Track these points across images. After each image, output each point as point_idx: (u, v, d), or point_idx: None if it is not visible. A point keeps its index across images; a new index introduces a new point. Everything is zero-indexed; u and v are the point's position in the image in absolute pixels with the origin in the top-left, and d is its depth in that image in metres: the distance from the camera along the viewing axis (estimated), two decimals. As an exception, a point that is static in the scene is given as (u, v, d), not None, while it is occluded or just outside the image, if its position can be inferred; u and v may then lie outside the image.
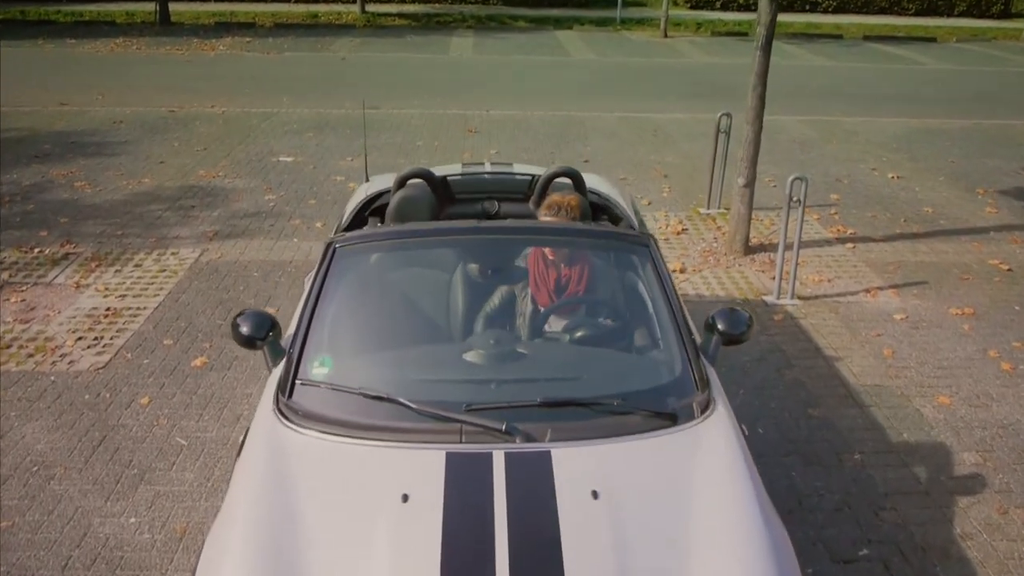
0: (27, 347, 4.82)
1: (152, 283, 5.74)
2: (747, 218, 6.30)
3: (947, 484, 3.75)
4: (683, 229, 6.98)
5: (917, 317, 5.46)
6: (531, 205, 3.89)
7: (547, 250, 3.07)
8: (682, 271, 6.14)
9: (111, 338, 4.95)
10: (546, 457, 2.18)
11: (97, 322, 5.15)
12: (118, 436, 4.01)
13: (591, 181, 4.04)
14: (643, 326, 2.85)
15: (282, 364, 2.65)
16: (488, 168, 4.23)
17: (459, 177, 3.99)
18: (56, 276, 5.80)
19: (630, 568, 1.89)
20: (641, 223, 3.93)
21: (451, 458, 2.17)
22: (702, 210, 7.42)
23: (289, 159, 8.82)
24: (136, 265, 6.03)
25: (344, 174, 8.30)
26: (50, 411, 4.20)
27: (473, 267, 3.06)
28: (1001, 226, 7.25)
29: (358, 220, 3.96)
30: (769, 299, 5.62)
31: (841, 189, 8.20)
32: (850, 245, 6.70)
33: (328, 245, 2.95)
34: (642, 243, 3.00)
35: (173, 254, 6.23)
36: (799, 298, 5.65)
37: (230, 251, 6.32)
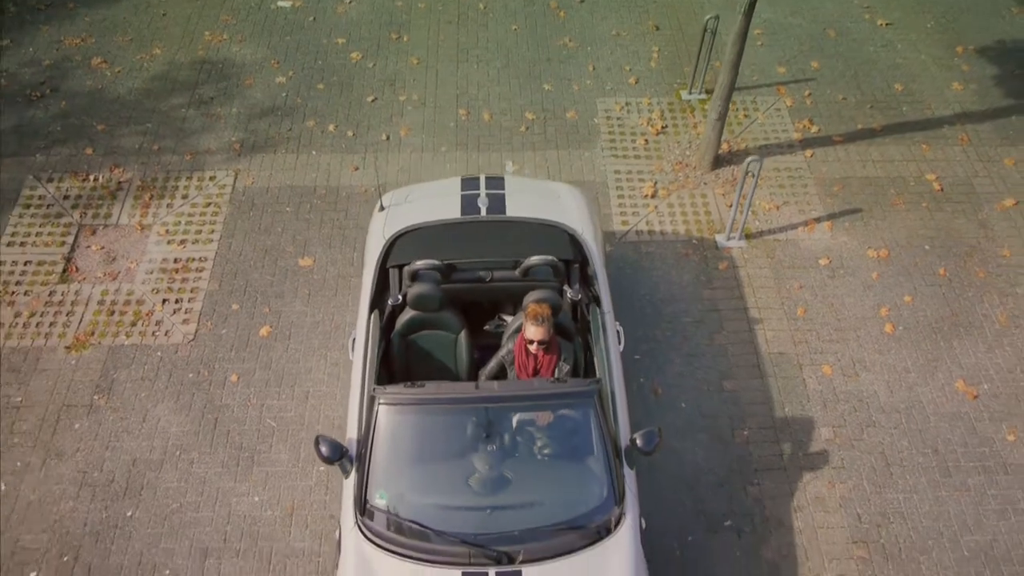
0: (127, 313, 6.20)
1: (203, 223, 6.83)
2: (716, 144, 7.04)
3: (801, 460, 5.48)
4: (663, 127, 7.68)
5: (839, 261, 6.66)
6: (518, 273, 5.03)
7: (530, 346, 4.45)
8: (653, 196, 7.11)
9: (189, 301, 6.28)
10: (519, 573, 3.94)
11: (172, 279, 6.41)
12: (225, 418, 5.65)
13: (568, 212, 5.27)
14: (586, 457, 4.29)
15: (354, 478, 4.22)
16: (484, 206, 5.20)
17: (459, 231, 5.11)
18: (119, 214, 6.86)
19: None
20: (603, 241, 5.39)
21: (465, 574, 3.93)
22: (684, 95, 7.96)
23: (287, 4, 8.90)
24: (183, 196, 7.02)
25: (344, 32, 8.56)
26: (168, 392, 5.77)
27: (474, 422, 4.29)
28: (959, 115, 7.87)
29: (383, 273, 5.11)
30: (720, 239, 6.74)
31: (825, 49, 8.51)
32: (808, 153, 7.50)
33: (372, 399, 4.25)
34: (588, 395, 4.27)
35: (211, 179, 7.16)
36: (747, 237, 6.76)
37: (259, 174, 7.22)
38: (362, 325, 4.88)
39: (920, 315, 6.31)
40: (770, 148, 7.48)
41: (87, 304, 6.25)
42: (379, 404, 4.22)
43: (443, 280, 4.98)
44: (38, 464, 5.40)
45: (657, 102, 7.96)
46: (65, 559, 4.99)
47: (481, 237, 5.12)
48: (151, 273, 6.45)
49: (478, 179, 5.51)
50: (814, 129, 7.73)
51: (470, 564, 3.95)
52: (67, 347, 5.99)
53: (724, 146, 7.41)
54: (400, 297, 4.99)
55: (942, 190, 7.22)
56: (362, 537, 4.08)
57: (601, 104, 7.91)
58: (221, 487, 5.32)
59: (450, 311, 4.85)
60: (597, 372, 4.60)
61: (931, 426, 5.66)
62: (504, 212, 5.20)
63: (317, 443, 4.18)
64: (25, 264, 6.51)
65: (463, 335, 4.90)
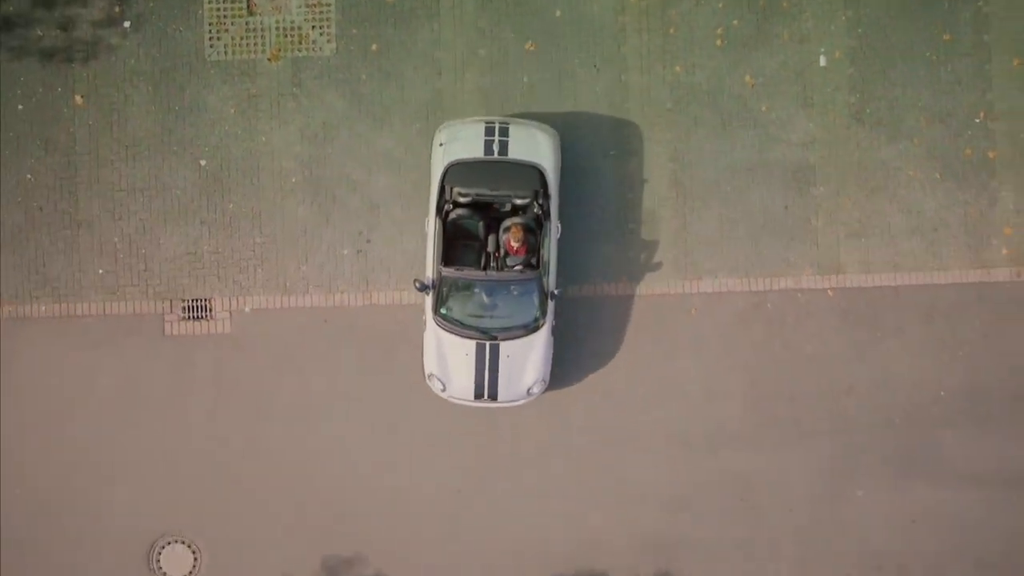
0: (293, 35, 10.03)
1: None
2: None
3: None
4: None
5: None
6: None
7: (514, 245, 9.57)
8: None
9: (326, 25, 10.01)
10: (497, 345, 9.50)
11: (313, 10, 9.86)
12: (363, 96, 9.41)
13: (542, 154, 9.74)
14: (531, 298, 9.79)
15: (432, 297, 9.75)
16: (496, 149, 9.68)
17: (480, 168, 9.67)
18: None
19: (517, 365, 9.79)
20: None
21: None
22: None
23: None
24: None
25: None
26: (326, 84, 10.26)
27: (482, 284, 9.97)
28: None
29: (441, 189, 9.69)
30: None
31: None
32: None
33: (440, 270, 9.70)
34: (535, 277, 9.68)
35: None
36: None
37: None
38: (431, 221, 9.76)
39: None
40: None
41: (269, 29, 9.78)
42: (442, 273, 9.59)
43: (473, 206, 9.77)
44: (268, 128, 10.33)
45: None
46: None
47: (492, 171, 9.67)
48: (299, 7, 10.18)
49: (494, 126, 9.76)
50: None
51: (478, 339, 9.72)
52: (268, 59, 9.81)
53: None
54: (452, 204, 9.73)
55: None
56: (435, 323, 9.79)
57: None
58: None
59: (474, 213, 9.77)
60: (542, 254, 9.67)
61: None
62: (507, 154, 9.68)
63: (415, 282, 9.67)
64: (221, 3, 10.07)
65: (480, 224, 9.83)
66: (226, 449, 10.46)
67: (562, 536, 10.43)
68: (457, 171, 9.60)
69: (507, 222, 9.66)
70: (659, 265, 10.56)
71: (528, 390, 10.00)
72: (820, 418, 10.52)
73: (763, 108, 10.56)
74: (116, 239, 10.53)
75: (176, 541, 10.53)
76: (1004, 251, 10.57)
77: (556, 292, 9.80)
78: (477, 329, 9.82)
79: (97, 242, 10.53)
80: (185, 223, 10.53)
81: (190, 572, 10.47)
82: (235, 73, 10.49)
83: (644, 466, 10.44)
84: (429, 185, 9.89)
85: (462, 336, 9.79)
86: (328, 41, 10.46)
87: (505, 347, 9.81)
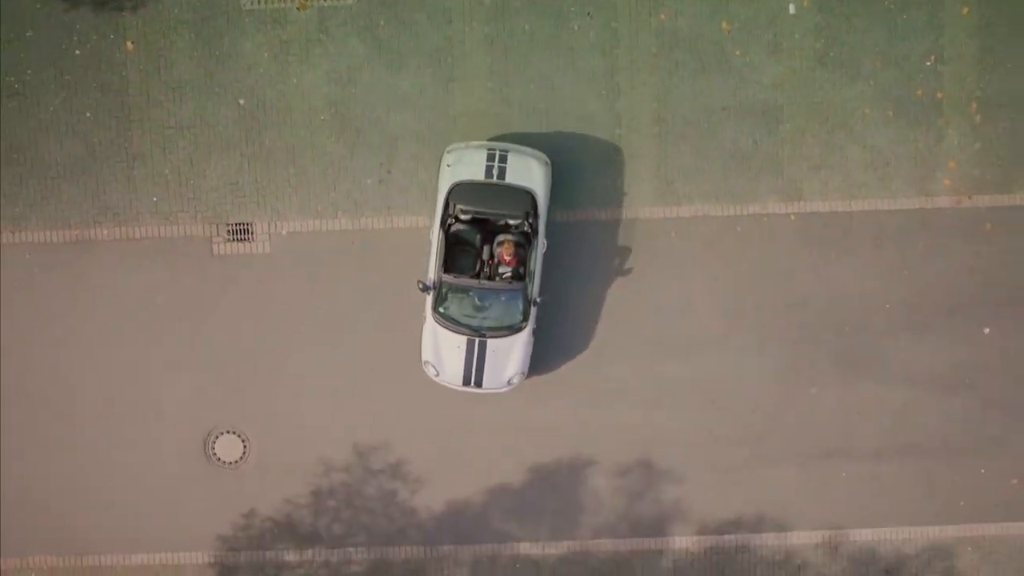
0: None
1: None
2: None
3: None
4: None
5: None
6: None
7: (506, 257, 11.08)
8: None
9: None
10: (485, 342, 10.84)
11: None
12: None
13: (534, 180, 11.26)
14: (516, 304, 11.40)
15: (432, 296, 11.35)
16: (495, 174, 11.19)
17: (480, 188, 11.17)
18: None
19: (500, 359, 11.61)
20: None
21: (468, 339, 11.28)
22: None
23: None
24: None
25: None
26: (357, 25, 11.17)
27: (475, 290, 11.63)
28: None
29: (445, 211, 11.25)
30: None
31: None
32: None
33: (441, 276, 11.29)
34: (521, 288, 11.33)
35: None
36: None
37: None
38: (435, 231, 11.29)
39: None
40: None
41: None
42: (442, 277, 10.97)
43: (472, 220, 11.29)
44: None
45: None
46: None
47: (491, 193, 11.10)
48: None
49: (495, 153, 11.20)
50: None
51: (469, 335, 11.37)
52: (297, 8, 11.47)
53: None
54: (454, 218, 11.22)
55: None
56: (433, 319, 11.41)
57: None
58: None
59: (472, 226, 11.31)
60: (529, 266, 11.23)
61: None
62: (504, 179, 11.14)
63: (418, 283, 11.23)
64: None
65: (478, 236, 11.28)
66: (269, 353, 12.18)
67: (552, 427, 12.23)
68: (460, 190, 11.09)
69: (500, 237, 11.27)
70: (643, 192, 12.05)
71: (508, 381, 11.66)
72: (780, 327, 12.17)
73: (737, 53, 11.85)
74: (167, 171, 12.01)
75: (228, 432, 12.36)
76: (946, 182, 12.01)
77: (538, 300, 11.30)
78: (469, 327, 11.43)
79: (150, 173, 12.02)
80: (227, 156, 11.99)
81: (240, 457, 12.34)
82: (268, 21, 11.78)
83: (623, 369, 12.15)
84: (436, 186, 11.53)
85: (456, 332, 11.43)
86: (350, -9, 11.71)
87: (492, 344, 11.45)
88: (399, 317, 12.09)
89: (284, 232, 12.14)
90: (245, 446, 12.36)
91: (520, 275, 11.28)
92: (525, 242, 11.29)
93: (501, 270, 11.32)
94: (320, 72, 11.89)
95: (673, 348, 12.22)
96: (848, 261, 12.12)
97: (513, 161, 11.24)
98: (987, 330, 12.13)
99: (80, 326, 12.11)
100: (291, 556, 12.38)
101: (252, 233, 12.13)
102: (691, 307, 12.18)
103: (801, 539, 12.39)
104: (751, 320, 12.21)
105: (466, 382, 11.71)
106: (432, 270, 11.35)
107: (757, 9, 11.81)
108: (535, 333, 11.69)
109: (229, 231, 12.12)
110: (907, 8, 11.78)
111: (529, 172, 11.25)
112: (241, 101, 11.93)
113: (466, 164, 11.24)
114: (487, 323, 11.48)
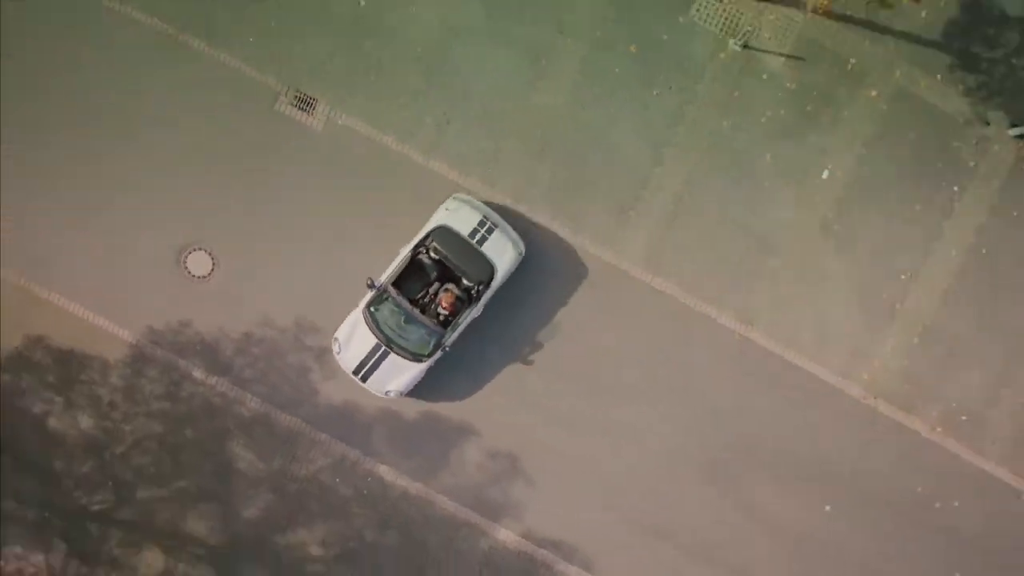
0: None
1: None
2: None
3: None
4: None
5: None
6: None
7: (445, 304, 12.82)
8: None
9: None
10: (389, 353, 13.16)
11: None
12: None
13: (502, 260, 12.95)
14: (434, 342, 13.03)
15: (371, 295, 12.70)
16: (474, 239, 12.92)
17: (460, 244, 12.87)
18: None
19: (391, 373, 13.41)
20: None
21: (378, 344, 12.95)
22: None
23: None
24: None
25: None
26: None
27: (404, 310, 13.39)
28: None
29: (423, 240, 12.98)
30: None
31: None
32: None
33: (387, 287, 12.89)
34: (439, 333, 13.06)
35: None
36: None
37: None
38: (406, 250, 12.92)
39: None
40: None
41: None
42: (389, 288, 12.78)
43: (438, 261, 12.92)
44: None
45: None
46: None
47: (465, 250, 12.74)
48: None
49: (487, 223, 12.82)
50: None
51: (380, 341, 12.99)
52: None
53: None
54: (426, 249, 12.95)
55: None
56: (362, 314, 13.00)
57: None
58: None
59: (435, 264, 13.06)
60: (458, 320, 12.96)
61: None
62: (481, 246, 12.74)
63: (368, 279, 12.76)
64: None
65: (434, 273, 13.09)
66: (273, 206, 13.65)
67: (463, 394, 13.85)
68: (443, 233, 12.78)
69: (449, 285, 13.00)
70: (634, 248, 13.60)
71: (387, 391, 13.30)
72: (684, 415, 13.78)
73: (767, 184, 13.45)
74: (273, 23, 13.49)
75: (206, 252, 13.85)
76: (865, 375, 13.67)
77: (447, 348, 13.00)
78: (385, 336, 12.96)
79: (259, 17, 13.48)
80: (328, 38, 13.50)
81: (205, 275, 13.87)
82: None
83: (545, 383, 13.74)
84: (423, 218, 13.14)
85: (372, 333, 12.98)
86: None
87: (393, 358, 13.05)
88: (386, 241, 13.51)
89: (339, 122, 13.65)
90: (213, 269, 13.86)
91: (448, 322, 12.88)
92: (467, 299, 12.94)
93: (437, 309, 12.92)
94: (436, 14, 13.39)
95: (594, 386, 13.76)
96: (762, 395, 13.72)
97: (496, 237, 12.86)
98: (828, 508, 13.80)
99: (123, 109, 13.62)
100: (198, 374, 13.93)
101: (314, 108, 13.64)
102: (622, 361, 13.74)
103: (599, 585, 14.08)
104: (662, 399, 13.78)
105: (355, 372, 13.26)
106: (386, 276, 12.91)
107: (799, 159, 13.40)
108: (429, 371, 13.30)
109: (297, 97, 13.62)
110: (912, 223, 13.41)
111: (503, 253, 12.90)
112: (362, 2, 13.40)
113: (460, 217, 12.87)
114: (399, 342, 13.01)
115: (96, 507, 14.00)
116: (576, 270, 13.67)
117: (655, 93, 13.42)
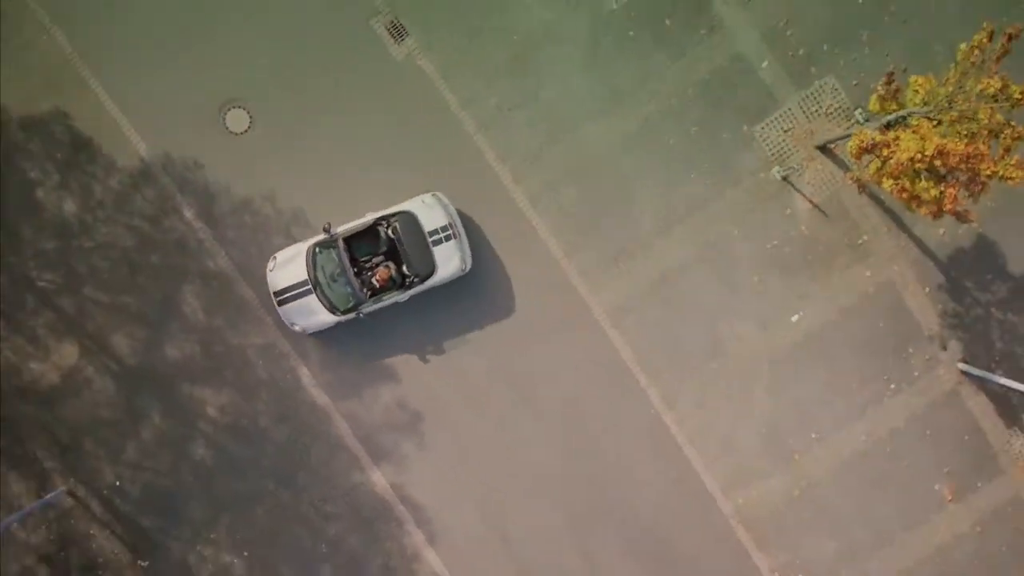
0: None
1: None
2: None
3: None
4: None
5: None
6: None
7: (379, 277, 13.72)
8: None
9: None
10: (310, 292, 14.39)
11: None
12: None
13: (448, 264, 13.87)
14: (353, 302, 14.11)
15: (322, 237, 14.52)
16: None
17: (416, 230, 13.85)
18: None
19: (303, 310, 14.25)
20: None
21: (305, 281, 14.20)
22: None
23: None
24: None
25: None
26: None
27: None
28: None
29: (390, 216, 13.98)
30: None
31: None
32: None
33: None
34: (363, 301, 13.98)
35: None
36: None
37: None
38: (371, 216, 13.87)
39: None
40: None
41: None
42: (340, 241, 13.72)
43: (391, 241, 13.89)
44: None
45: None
46: None
47: (419, 241, 13.73)
48: None
49: (450, 231, 13.71)
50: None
51: (311, 280, 13.93)
52: None
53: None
54: (385, 224, 13.96)
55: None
56: (308, 249, 13.98)
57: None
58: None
59: (388, 240, 13.92)
60: (383, 296, 13.97)
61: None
62: (434, 248, 13.72)
63: (326, 223, 13.72)
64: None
65: (384, 248, 14.10)
66: (323, 93, 14.42)
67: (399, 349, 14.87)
68: (408, 219, 13.76)
69: (391, 264, 13.99)
70: (609, 294, 14.68)
71: (293, 323, 14.22)
72: (570, 462, 14.91)
73: (743, 298, 14.55)
74: (406, -51, 14.21)
75: (234, 107, 14.56)
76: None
77: (362, 315, 13.90)
78: (314, 276, 13.71)
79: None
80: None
81: (242, 132, 14.58)
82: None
83: (467, 362, 14.82)
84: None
85: (306, 269, 13.73)
86: None
87: (311, 299, 13.81)
88: (394, 189, 14.36)
89: (418, 62, 14.41)
90: (247, 130, 14.55)
91: (374, 293, 13.78)
92: (399, 283, 13.92)
93: (372, 279, 13.87)
94: (546, 16, 14.21)
95: (517, 391, 14.82)
96: (647, 468, 14.87)
97: (451, 246, 13.80)
98: (655, 586, 15.14)
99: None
100: (188, 213, 14.69)
101: (403, 40, 14.37)
102: (549, 381, 14.79)
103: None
104: (563, 430, 14.85)
105: (276, 296, 14.12)
106: (342, 229, 13.84)
107: (780, 294, 14.55)
108: (338, 325, 14.21)
109: (393, 23, 14.33)
110: (843, 395, 14.64)
111: (449, 261, 13.85)
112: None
113: (430, 214, 13.78)
114: (324, 288, 13.80)
115: (42, 283, 14.72)
116: (548, 285, 14.68)
117: (691, 176, 14.38)
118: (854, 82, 14.03)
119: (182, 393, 14.91)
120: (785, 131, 14.25)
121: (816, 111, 14.17)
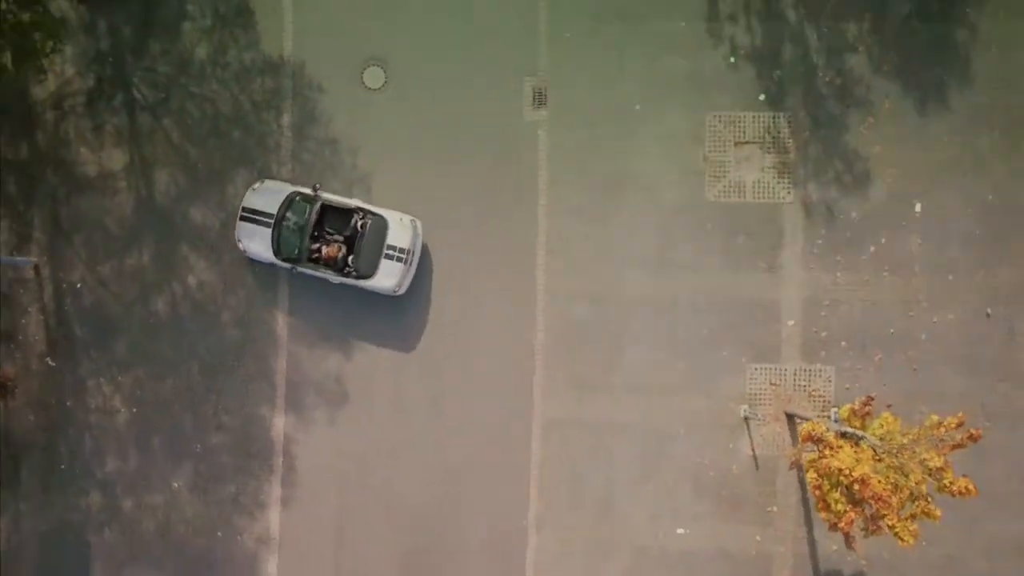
0: None
1: None
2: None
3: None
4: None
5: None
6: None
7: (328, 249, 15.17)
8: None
9: None
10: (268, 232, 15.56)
11: None
12: None
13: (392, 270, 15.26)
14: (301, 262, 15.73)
15: (309, 191, 15.61)
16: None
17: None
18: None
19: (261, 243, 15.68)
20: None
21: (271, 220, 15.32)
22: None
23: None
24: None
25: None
26: None
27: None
28: None
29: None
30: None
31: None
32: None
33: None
34: (303, 264, 15.60)
35: None
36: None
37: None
38: (353, 203, 15.50)
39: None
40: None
41: None
42: (322, 200, 15.45)
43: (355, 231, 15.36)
44: None
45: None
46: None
47: (374, 249, 15.21)
48: None
49: (405, 254, 15.14)
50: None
51: (272, 218, 15.44)
52: None
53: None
54: (361, 212, 15.45)
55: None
56: (288, 195, 15.54)
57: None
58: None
59: (356, 220, 15.36)
60: (320, 269, 15.44)
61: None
62: (383, 259, 15.16)
63: (316, 183, 15.38)
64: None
65: (349, 225, 15.43)
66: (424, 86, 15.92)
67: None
68: (380, 224, 15.17)
69: (344, 247, 15.27)
70: (559, 374, 15.85)
71: (240, 242, 15.53)
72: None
73: (670, 477, 15.72)
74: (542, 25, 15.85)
75: (375, 65, 16.01)
76: None
77: (295, 271, 15.40)
78: (280, 216, 15.16)
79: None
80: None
81: (382, 85, 16.00)
82: None
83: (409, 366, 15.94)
84: None
85: (279, 207, 15.20)
86: None
87: (266, 232, 15.21)
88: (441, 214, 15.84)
89: (538, 130, 15.88)
90: (382, 87, 15.96)
91: (317, 260, 15.23)
92: (339, 267, 15.23)
93: (323, 248, 15.19)
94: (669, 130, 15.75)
95: (441, 391, 15.89)
96: (484, 566, 15.83)
97: (398, 267, 15.14)
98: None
99: None
100: (286, 119, 15.97)
101: (540, 107, 15.89)
102: (474, 395, 15.82)
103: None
104: (439, 455, 15.85)
105: (242, 210, 15.44)
106: (327, 196, 15.37)
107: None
108: (279, 269, 15.65)
109: (539, 90, 15.88)
110: None
111: (387, 278, 15.21)
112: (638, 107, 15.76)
113: (400, 233, 15.19)
114: (280, 230, 15.19)
115: (136, 94, 16.06)
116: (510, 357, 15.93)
117: (679, 364, 15.66)
118: (847, 386, 15.43)
119: (180, 250, 15.95)
120: (772, 384, 15.60)
121: (804, 386, 15.55)
